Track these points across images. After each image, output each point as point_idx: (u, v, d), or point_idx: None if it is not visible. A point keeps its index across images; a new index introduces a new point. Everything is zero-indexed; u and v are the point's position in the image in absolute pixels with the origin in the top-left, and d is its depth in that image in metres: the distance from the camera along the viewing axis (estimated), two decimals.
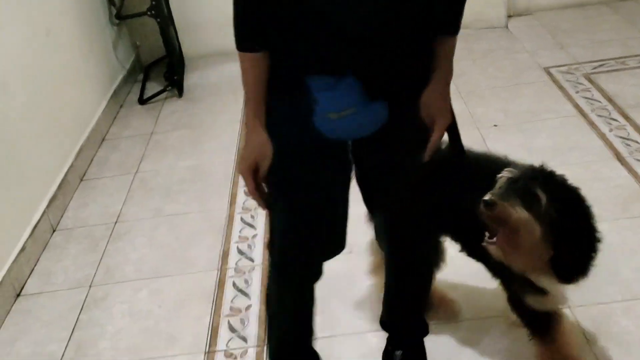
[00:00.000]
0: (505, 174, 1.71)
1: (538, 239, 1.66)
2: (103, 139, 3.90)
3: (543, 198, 1.64)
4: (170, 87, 4.31)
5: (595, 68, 3.82)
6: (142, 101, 4.27)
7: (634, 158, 2.96)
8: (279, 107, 1.53)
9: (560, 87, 3.66)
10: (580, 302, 2.24)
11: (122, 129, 4.02)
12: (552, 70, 3.87)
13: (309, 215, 1.63)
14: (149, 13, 4.06)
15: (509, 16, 4.63)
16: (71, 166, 3.42)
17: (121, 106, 4.28)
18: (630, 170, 2.90)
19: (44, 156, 3.21)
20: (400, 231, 1.86)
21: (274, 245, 1.74)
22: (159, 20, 4.11)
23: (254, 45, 1.45)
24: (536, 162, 1.75)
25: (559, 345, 1.96)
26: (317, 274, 1.78)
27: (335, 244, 1.73)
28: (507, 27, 4.55)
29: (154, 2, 4.05)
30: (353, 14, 1.38)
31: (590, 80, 3.68)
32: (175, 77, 4.28)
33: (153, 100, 4.29)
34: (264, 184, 1.59)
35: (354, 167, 1.67)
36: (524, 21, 4.63)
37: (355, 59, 1.44)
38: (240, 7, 1.43)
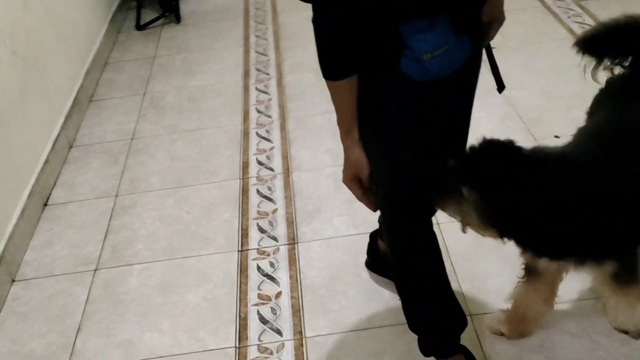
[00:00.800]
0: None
1: (482, 228, 1.67)
2: (106, 63, 3.95)
3: (467, 193, 1.62)
4: (167, 13, 4.35)
5: None
6: (140, 27, 4.31)
7: None
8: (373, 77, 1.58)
9: (553, 13, 3.82)
10: None
11: (124, 53, 4.07)
12: None
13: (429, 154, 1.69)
14: None
15: None
16: (81, 87, 3.49)
17: (119, 32, 4.32)
18: None
19: (59, 74, 3.27)
20: None
21: (391, 198, 1.76)
22: None
23: (345, 73, 1.52)
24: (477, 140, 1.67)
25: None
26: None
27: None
28: None
29: None
30: None
31: (581, 6, 3.85)
32: (173, 3, 4.32)
33: (151, 26, 4.33)
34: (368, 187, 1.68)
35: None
36: None
37: (446, 1, 1.50)
38: (325, 37, 1.49)
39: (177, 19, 4.35)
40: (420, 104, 1.59)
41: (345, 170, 1.65)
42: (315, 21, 1.47)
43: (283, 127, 3.16)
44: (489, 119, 2.98)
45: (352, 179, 1.65)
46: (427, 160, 1.67)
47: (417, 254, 1.84)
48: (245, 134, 3.16)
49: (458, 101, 1.75)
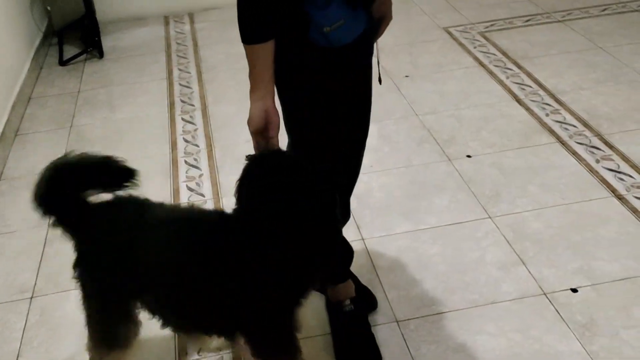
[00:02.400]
0: None
1: None
2: (30, 98, 3.98)
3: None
4: (90, 49, 4.41)
5: (487, 27, 4.29)
6: (63, 62, 4.36)
7: (530, 99, 3.43)
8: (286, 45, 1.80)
9: (460, 44, 4.10)
10: (499, 214, 2.66)
11: (47, 87, 4.10)
12: (451, 30, 4.31)
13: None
14: None
15: None
16: (7, 121, 3.51)
17: (42, 67, 4.35)
18: (527, 109, 3.36)
19: None
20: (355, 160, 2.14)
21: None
22: None
23: (261, 39, 1.69)
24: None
25: None
26: None
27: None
28: None
29: None
30: None
31: (485, 38, 4.15)
32: (95, 39, 4.39)
33: (74, 61, 4.39)
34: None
35: None
36: None
37: None
38: (247, 6, 1.67)
39: (100, 54, 4.42)
40: (325, 67, 1.82)
41: (250, 121, 1.76)
42: None
43: (210, 156, 3.28)
44: (407, 142, 3.18)
45: (256, 131, 1.77)
46: (328, 124, 1.89)
47: None
48: (174, 162, 3.25)
49: (357, 75, 1.96)
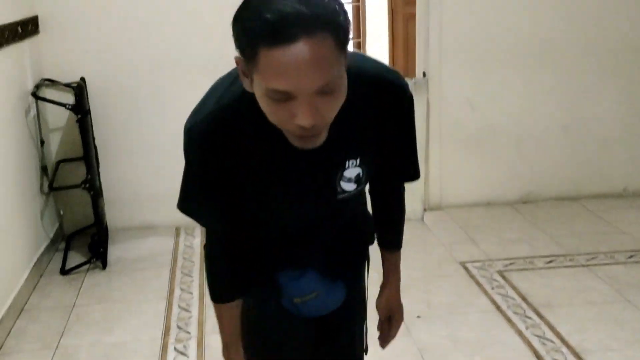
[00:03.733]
0: None
1: None
2: (22, 309, 3.79)
3: None
4: (94, 259, 4.28)
5: (506, 266, 4.10)
6: (64, 272, 4.21)
7: (551, 357, 3.14)
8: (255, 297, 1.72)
9: (477, 283, 3.90)
10: None
11: (42, 299, 3.92)
12: (468, 265, 4.12)
13: None
14: (82, 186, 4.12)
15: (424, 210, 4.95)
16: None
17: (41, 275, 4.20)
18: None
19: None
20: None
21: None
22: (92, 193, 4.17)
23: (230, 298, 1.67)
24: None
25: None
26: None
27: None
28: (422, 220, 4.85)
29: (89, 176, 4.12)
30: (306, 226, 1.65)
31: (504, 277, 3.95)
32: (101, 249, 4.27)
33: (75, 271, 4.24)
34: None
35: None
36: (438, 215, 4.95)
37: (313, 257, 1.70)
38: (215, 268, 1.68)
39: (103, 265, 4.28)
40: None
41: None
42: (205, 247, 1.67)
43: None
44: None
45: None
46: None
47: None
48: None
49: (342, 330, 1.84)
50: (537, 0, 4.87)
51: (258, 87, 1.29)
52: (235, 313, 1.68)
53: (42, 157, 4.40)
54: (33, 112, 4.30)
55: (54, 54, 4.54)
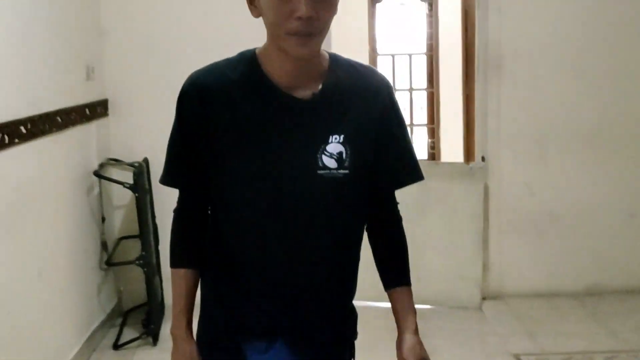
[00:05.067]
0: None
1: None
2: None
3: None
4: (145, 335, 4.35)
5: None
6: (117, 347, 4.29)
7: None
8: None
9: None
10: None
11: None
12: (522, 358, 3.95)
13: None
14: (136, 262, 4.23)
15: (483, 298, 4.80)
16: None
17: (94, 350, 4.28)
18: None
19: None
20: None
21: None
22: (146, 269, 4.27)
23: (187, 264, 1.77)
24: None
25: None
26: None
27: None
28: (480, 308, 4.70)
29: (143, 253, 4.23)
30: (283, 276, 1.64)
31: None
32: (152, 326, 4.34)
33: (127, 346, 4.31)
34: None
35: None
36: (496, 305, 4.79)
37: (285, 318, 1.66)
38: (179, 231, 1.80)
39: (154, 341, 4.33)
40: None
41: (173, 356, 1.71)
42: (175, 210, 1.80)
43: None
44: None
45: None
46: None
47: None
48: None
49: None
50: (598, 85, 4.79)
51: None
52: (187, 284, 1.75)
53: (103, 233, 4.55)
54: (96, 189, 4.49)
55: (121, 135, 4.76)
